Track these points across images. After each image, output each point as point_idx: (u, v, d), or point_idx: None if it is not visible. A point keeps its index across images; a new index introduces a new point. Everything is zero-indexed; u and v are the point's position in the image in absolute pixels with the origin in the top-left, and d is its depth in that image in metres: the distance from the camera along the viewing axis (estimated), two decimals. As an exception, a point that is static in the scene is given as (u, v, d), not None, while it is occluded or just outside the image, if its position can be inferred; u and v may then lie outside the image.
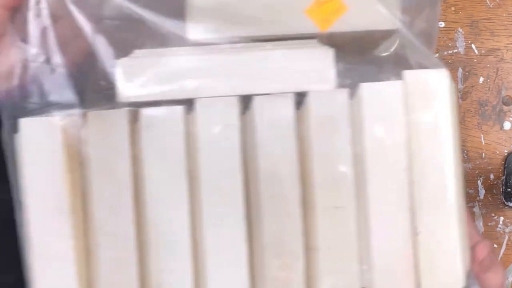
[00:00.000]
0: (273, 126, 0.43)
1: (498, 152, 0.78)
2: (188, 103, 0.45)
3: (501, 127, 0.77)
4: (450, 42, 0.78)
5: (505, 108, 0.77)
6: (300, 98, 0.44)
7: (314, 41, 0.45)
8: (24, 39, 0.47)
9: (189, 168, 0.44)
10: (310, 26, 0.44)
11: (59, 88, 0.47)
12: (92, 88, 0.49)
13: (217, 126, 0.43)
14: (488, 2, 0.77)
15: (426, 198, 0.43)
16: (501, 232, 0.78)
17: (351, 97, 0.44)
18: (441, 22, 0.77)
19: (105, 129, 0.44)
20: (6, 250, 0.52)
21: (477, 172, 0.78)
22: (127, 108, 0.44)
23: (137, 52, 0.46)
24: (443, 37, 0.78)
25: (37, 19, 0.46)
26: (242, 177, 0.44)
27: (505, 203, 0.76)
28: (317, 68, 0.44)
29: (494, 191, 0.78)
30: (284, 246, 0.44)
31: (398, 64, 0.46)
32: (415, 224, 0.44)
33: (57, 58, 0.47)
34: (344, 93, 0.44)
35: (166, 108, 0.44)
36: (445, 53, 0.78)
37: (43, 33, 0.46)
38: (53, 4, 0.46)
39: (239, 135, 0.44)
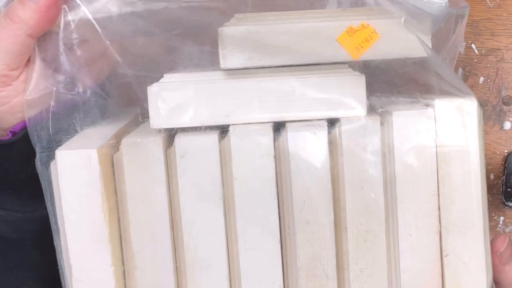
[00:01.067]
0: (306, 156, 0.44)
1: (498, 152, 0.79)
2: (222, 127, 0.46)
3: (501, 127, 0.78)
4: (450, 42, 0.78)
5: (505, 108, 0.78)
6: (332, 124, 0.45)
7: (345, 66, 0.46)
8: (52, 64, 0.47)
9: (224, 194, 0.45)
10: (342, 54, 0.45)
11: (88, 113, 0.48)
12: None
13: (253, 155, 0.44)
14: (488, 2, 0.77)
15: (453, 222, 0.45)
16: (501, 232, 0.79)
17: (382, 123, 0.45)
18: (441, 22, 0.78)
19: (141, 158, 0.44)
20: (28, 265, 0.53)
21: (477, 171, 0.79)
22: (161, 137, 0.44)
23: (167, 77, 0.47)
24: (443, 37, 0.78)
25: (66, 44, 0.46)
26: (277, 204, 0.45)
27: (505, 203, 0.77)
28: (349, 95, 0.45)
29: (494, 191, 0.79)
30: (318, 268, 0.45)
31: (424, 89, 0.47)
32: (443, 246, 0.45)
33: (85, 81, 0.47)
34: (375, 121, 0.44)
35: (200, 137, 0.44)
36: (446, 53, 0.78)
37: (72, 57, 0.46)
38: (81, 28, 0.46)
39: (274, 164, 0.44)
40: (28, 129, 0.46)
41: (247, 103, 0.45)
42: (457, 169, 0.44)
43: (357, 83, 0.45)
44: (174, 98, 0.45)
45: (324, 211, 0.44)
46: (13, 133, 0.47)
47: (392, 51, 0.45)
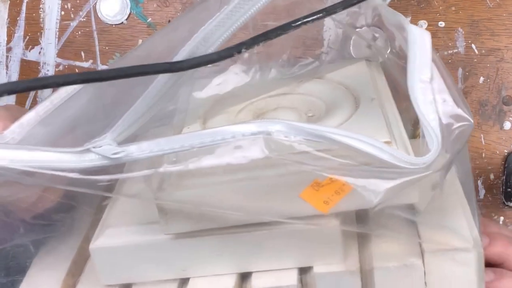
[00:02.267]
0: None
1: (498, 152, 0.80)
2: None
3: (501, 127, 0.79)
4: (450, 42, 0.77)
5: (505, 108, 0.78)
6: (304, 271, 0.44)
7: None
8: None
9: None
10: (308, 209, 0.40)
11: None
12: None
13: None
14: (488, 2, 0.76)
15: None
16: (500, 232, 0.82)
17: (362, 274, 0.43)
18: (441, 22, 0.77)
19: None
20: None
21: (477, 172, 0.80)
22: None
23: (111, 231, 0.45)
24: (443, 37, 0.78)
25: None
26: None
27: (505, 203, 0.79)
28: (323, 247, 0.43)
29: (494, 191, 0.80)
30: None
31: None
32: None
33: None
34: (354, 277, 0.43)
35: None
36: (445, 53, 0.77)
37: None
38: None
39: None
40: None
41: (205, 258, 0.43)
42: None
43: (332, 234, 0.43)
44: (121, 255, 0.43)
45: None
46: None
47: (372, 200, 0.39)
